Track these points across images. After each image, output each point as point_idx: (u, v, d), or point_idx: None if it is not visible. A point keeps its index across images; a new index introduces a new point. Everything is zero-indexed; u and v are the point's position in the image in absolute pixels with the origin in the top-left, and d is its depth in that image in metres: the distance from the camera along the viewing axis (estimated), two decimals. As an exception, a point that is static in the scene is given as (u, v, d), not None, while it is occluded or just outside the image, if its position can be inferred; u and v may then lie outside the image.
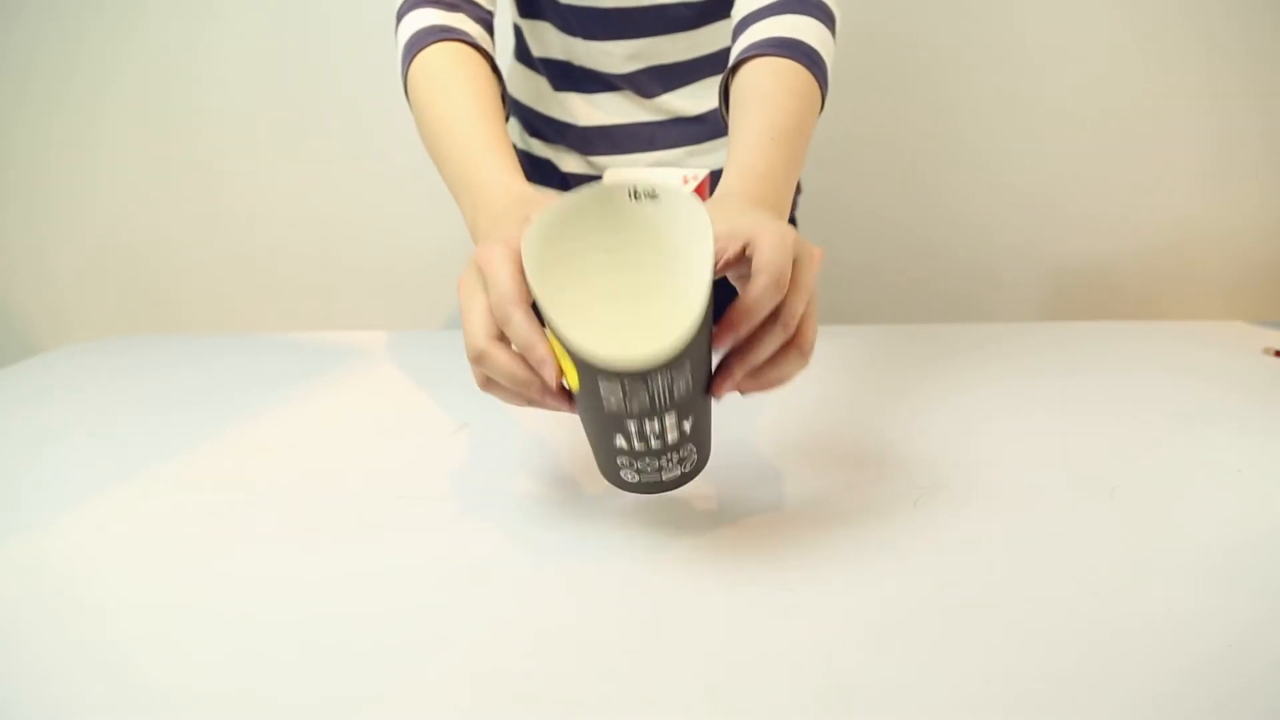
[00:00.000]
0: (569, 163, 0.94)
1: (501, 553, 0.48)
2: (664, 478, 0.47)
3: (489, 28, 0.74)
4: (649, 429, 0.43)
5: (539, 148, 0.96)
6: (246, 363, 0.84)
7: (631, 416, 0.43)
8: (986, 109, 1.48)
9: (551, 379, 0.44)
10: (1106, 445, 0.63)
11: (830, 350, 0.86)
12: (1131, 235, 1.53)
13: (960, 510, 0.52)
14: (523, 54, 0.96)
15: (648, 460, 0.46)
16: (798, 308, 0.46)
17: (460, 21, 0.71)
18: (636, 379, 0.41)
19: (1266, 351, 0.87)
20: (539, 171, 0.97)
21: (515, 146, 0.97)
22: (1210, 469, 0.59)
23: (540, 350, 0.44)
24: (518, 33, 0.96)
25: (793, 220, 1.03)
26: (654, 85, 0.89)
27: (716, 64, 0.91)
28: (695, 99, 0.91)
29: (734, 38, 0.71)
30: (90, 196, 1.60)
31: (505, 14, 0.96)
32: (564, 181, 0.96)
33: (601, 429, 0.45)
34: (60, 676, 0.38)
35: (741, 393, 0.48)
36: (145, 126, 1.55)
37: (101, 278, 1.64)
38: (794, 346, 0.47)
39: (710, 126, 0.92)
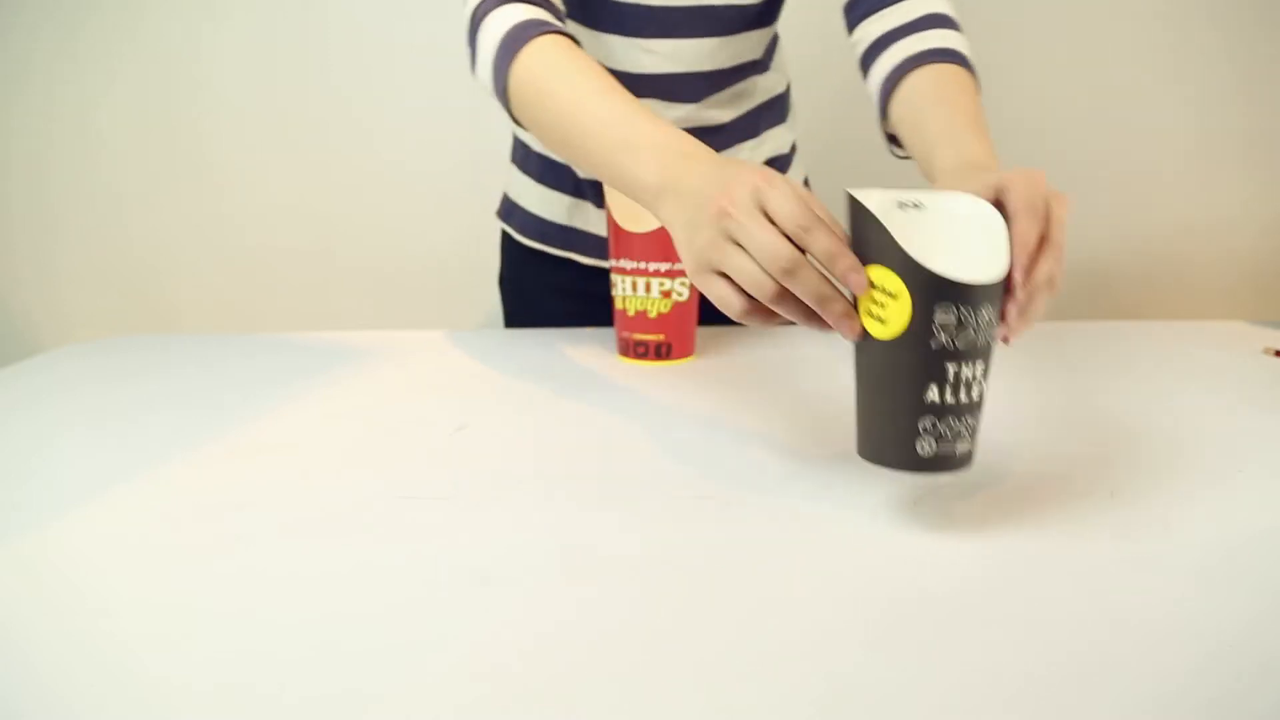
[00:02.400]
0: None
1: (501, 553, 0.48)
2: (957, 450, 0.47)
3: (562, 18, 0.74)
4: (965, 373, 0.45)
5: None
6: (246, 363, 0.84)
7: (953, 357, 0.45)
8: (987, 112, 1.48)
9: (862, 285, 0.46)
10: (1106, 445, 0.63)
11: (830, 349, 0.86)
12: (1131, 235, 1.53)
13: (960, 510, 0.52)
14: None
15: (952, 421, 0.46)
16: (1060, 237, 0.50)
17: (546, 15, 0.70)
18: (970, 304, 0.44)
19: (1266, 351, 0.87)
20: (553, 173, 0.96)
21: (529, 148, 0.98)
22: (1210, 469, 0.59)
23: (849, 258, 0.47)
24: None
25: None
26: (685, 91, 0.89)
27: (747, 71, 0.90)
28: (721, 107, 0.91)
29: (872, 55, 0.76)
30: (91, 197, 1.60)
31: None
32: (578, 186, 0.96)
33: (915, 379, 0.45)
34: (60, 676, 0.38)
35: (1013, 331, 0.50)
36: (146, 127, 1.55)
37: (102, 278, 1.64)
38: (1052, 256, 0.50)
39: (729, 134, 0.93)
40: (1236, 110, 1.46)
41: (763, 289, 0.49)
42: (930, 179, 0.65)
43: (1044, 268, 0.50)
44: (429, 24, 1.48)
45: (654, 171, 0.56)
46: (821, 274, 0.48)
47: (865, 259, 0.47)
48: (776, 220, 0.48)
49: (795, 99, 1.04)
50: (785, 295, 0.49)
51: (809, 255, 0.48)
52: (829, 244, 0.47)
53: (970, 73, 0.72)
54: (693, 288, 0.82)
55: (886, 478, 0.55)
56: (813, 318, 0.50)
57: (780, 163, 0.99)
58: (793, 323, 0.51)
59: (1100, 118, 1.47)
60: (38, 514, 0.53)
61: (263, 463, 0.60)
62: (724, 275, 0.51)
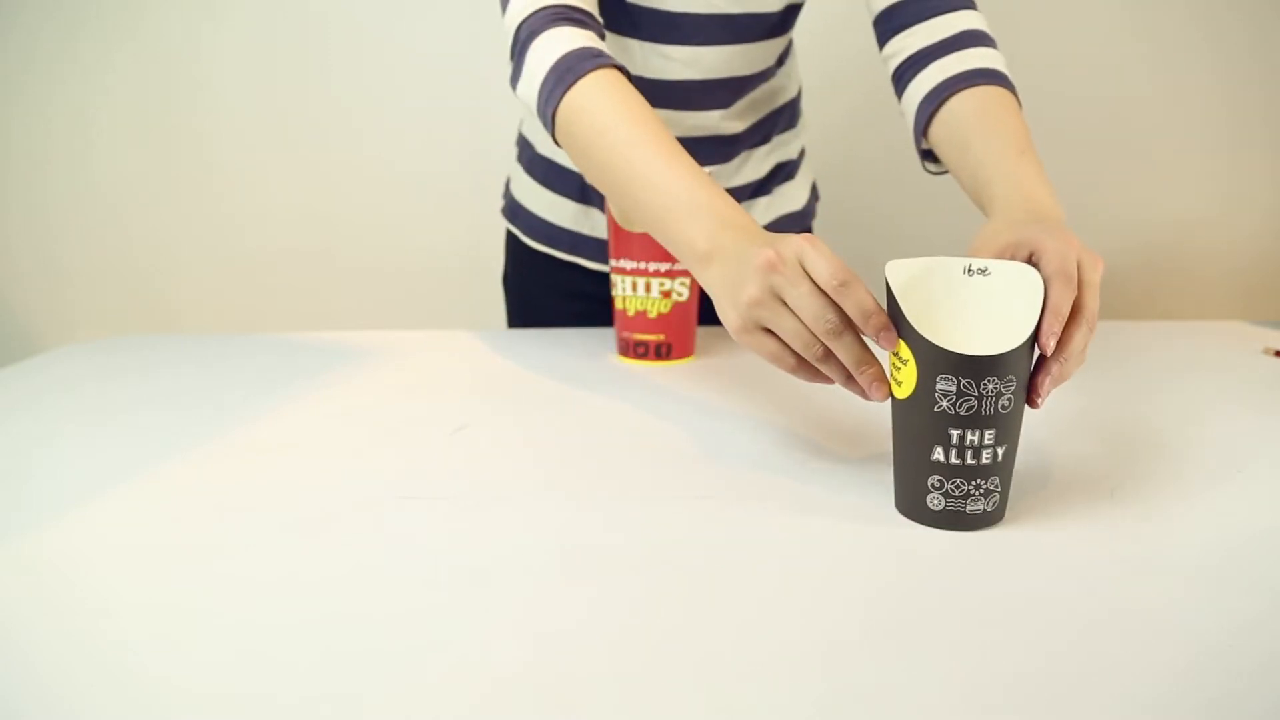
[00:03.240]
0: None
1: (501, 553, 0.48)
2: (968, 508, 0.50)
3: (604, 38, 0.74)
4: (970, 439, 0.48)
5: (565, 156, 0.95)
6: (246, 363, 0.84)
7: (955, 423, 0.48)
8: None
9: (893, 342, 0.50)
10: (1106, 445, 0.63)
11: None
12: (1131, 235, 1.53)
13: (960, 510, 0.52)
14: None
15: (960, 481, 0.49)
16: (1094, 304, 0.52)
17: (598, 42, 0.70)
18: (971, 375, 0.47)
19: (1266, 351, 0.87)
20: (560, 179, 0.96)
21: (540, 153, 0.97)
22: (1210, 469, 0.59)
23: (881, 317, 0.50)
24: None
25: (809, 228, 1.04)
26: (702, 99, 0.89)
27: (760, 79, 0.90)
28: (735, 117, 0.91)
29: (909, 70, 0.75)
30: (91, 197, 1.60)
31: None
32: (584, 193, 0.95)
33: (922, 439, 0.49)
34: (60, 676, 0.38)
35: (1041, 397, 0.52)
36: (146, 127, 1.55)
37: (102, 278, 1.64)
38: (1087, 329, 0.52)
39: (740, 142, 0.92)
40: (1237, 110, 1.46)
41: (810, 350, 0.52)
42: (984, 208, 0.66)
43: (1077, 340, 0.51)
44: (429, 24, 1.48)
45: (705, 237, 0.58)
46: (860, 339, 0.52)
47: None
48: (816, 278, 0.51)
49: (805, 105, 1.04)
50: (829, 356, 0.53)
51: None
52: (864, 302, 0.50)
53: (1013, 95, 0.71)
54: (693, 286, 0.82)
55: (885, 476, 0.55)
56: (850, 379, 0.53)
57: (789, 168, 0.99)
58: (832, 381, 0.54)
59: (1100, 118, 1.47)
60: (38, 514, 0.53)
61: (263, 463, 0.60)
62: (771, 333, 0.54)
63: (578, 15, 0.71)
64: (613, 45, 0.86)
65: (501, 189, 1.07)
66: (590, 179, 0.69)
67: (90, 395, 0.75)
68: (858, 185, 1.46)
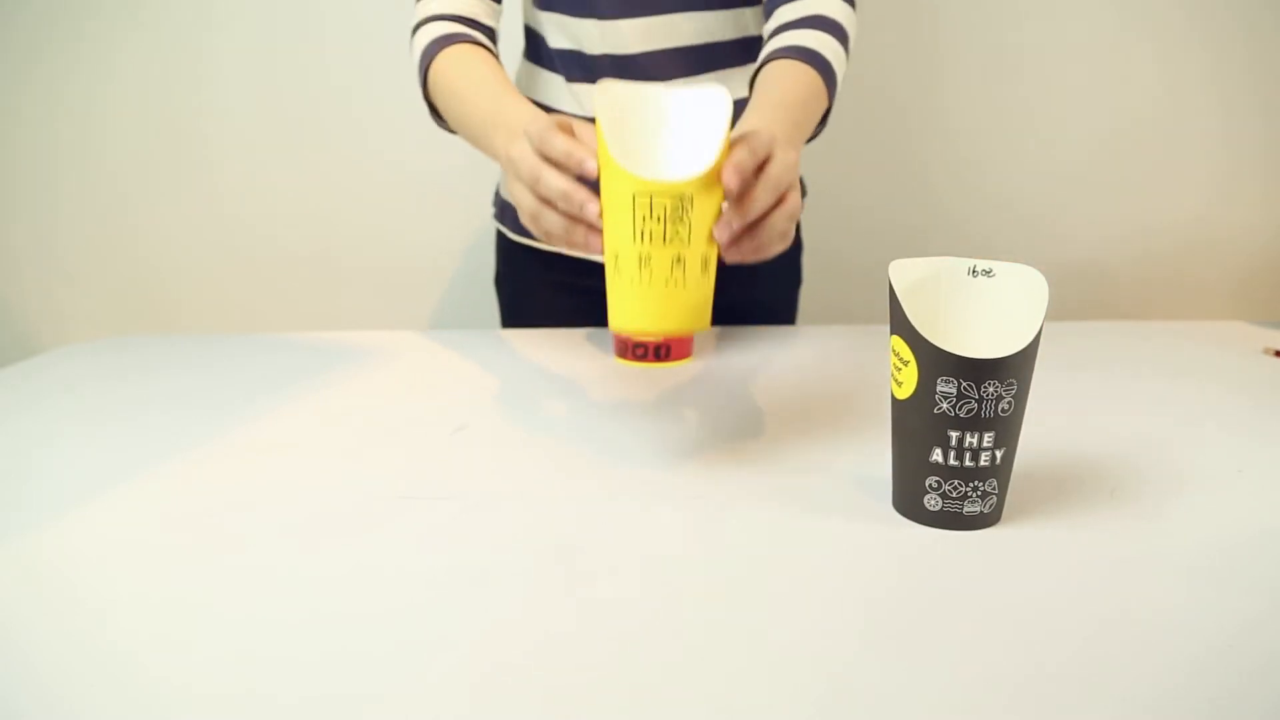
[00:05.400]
0: None
1: (501, 553, 0.48)
2: (965, 510, 0.50)
3: (494, 39, 0.88)
4: (969, 441, 0.48)
5: None
6: (246, 363, 0.84)
7: (955, 425, 0.48)
8: (988, 112, 1.48)
9: (594, 214, 0.58)
10: (1106, 445, 0.63)
11: (831, 348, 0.86)
12: (1131, 235, 1.53)
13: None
14: (533, 53, 0.96)
15: (958, 483, 0.49)
16: (778, 172, 0.60)
17: (470, 29, 0.85)
18: (972, 379, 0.47)
19: (1266, 351, 0.87)
20: None
21: None
22: (1210, 469, 0.59)
23: (576, 156, 0.59)
24: (528, 33, 0.97)
25: (796, 225, 1.04)
26: (666, 68, 0.90)
27: (730, 53, 0.91)
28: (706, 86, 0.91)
29: (763, 46, 0.84)
30: (92, 197, 1.60)
31: (513, 16, 0.97)
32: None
33: (921, 440, 0.50)
34: (60, 676, 0.38)
35: (737, 258, 0.61)
36: (146, 127, 1.55)
37: (102, 278, 1.64)
38: (782, 208, 0.61)
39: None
40: (1237, 111, 1.46)
41: (526, 208, 0.64)
42: None
43: (759, 193, 0.59)
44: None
45: (504, 142, 0.70)
46: (580, 188, 0.60)
47: (892, 327, 0.52)
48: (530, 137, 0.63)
49: None
50: (541, 209, 0.63)
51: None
52: (563, 146, 0.60)
53: (819, 73, 0.79)
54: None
55: (885, 481, 0.56)
56: (573, 221, 0.62)
57: None
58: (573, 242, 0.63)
59: (1100, 118, 1.47)
60: (38, 514, 0.53)
61: (263, 463, 0.60)
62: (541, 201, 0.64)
63: (470, 37, 0.85)
64: (574, 33, 0.90)
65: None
66: (455, 129, 0.85)
67: (90, 395, 0.75)
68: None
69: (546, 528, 0.51)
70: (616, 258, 0.57)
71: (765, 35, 0.85)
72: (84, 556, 0.48)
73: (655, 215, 0.54)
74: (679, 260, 0.55)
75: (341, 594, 0.44)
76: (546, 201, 0.62)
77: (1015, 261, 0.52)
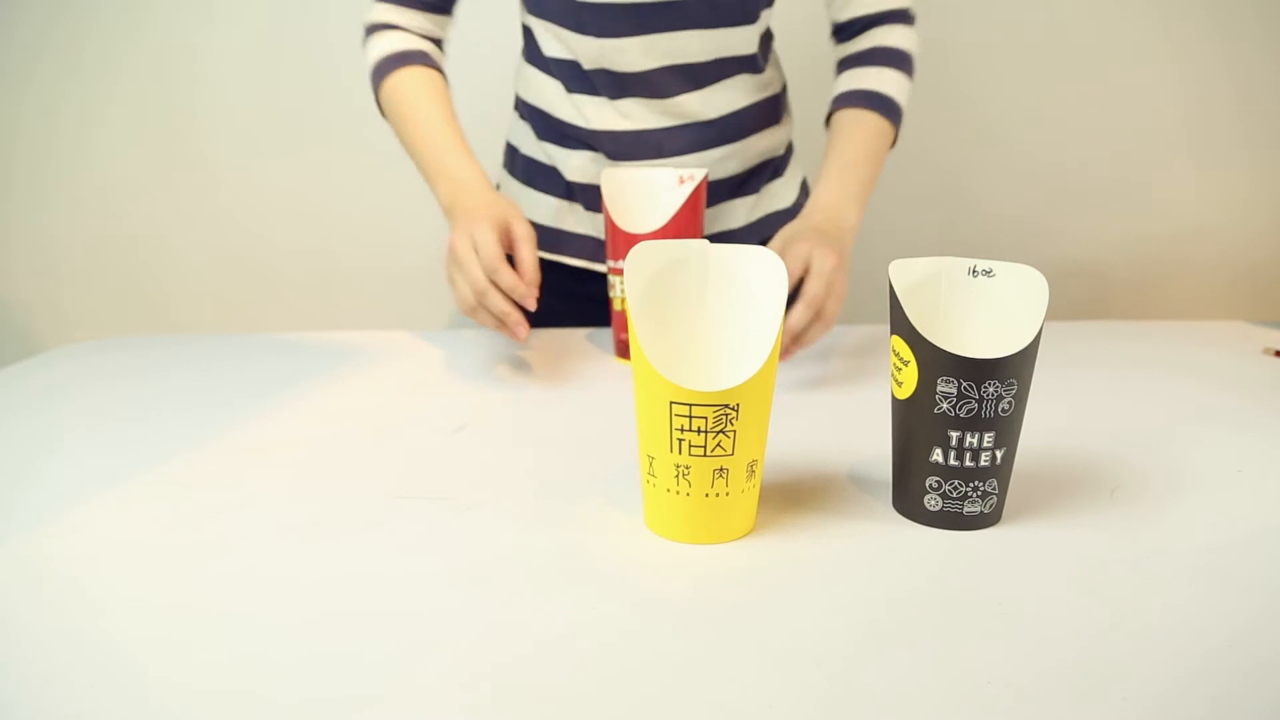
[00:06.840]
0: (573, 172, 0.94)
1: (501, 553, 0.48)
2: (965, 510, 0.50)
3: (441, 45, 0.95)
4: (970, 441, 0.48)
5: (552, 151, 0.95)
6: (246, 363, 0.84)
7: (956, 425, 0.48)
8: (987, 113, 1.48)
9: (522, 335, 0.75)
10: (1106, 445, 0.63)
11: (831, 348, 0.86)
12: (1131, 236, 1.53)
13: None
14: (533, 55, 0.95)
15: (958, 483, 0.49)
16: (814, 288, 0.72)
17: (418, 44, 0.91)
18: (973, 379, 0.47)
19: (1266, 351, 0.87)
20: (544, 178, 0.96)
21: (521, 152, 0.98)
22: (1210, 469, 0.59)
23: (518, 287, 0.74)
24: (526, 33, 0.95)
25: None
26: (671, 85, 0.89)
27: (734, 67, 0.90)
28: (710, 102, 0.91)
29: (836, 72, 0.93)
30: (91, 197, 1.60)
31: (513, 13, 0.96)
32: (569, 190, 0.95)
33: (921, 440, 0.49)
34: (60, 676, 0.38)
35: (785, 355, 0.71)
36: (146, 126, 1.55)
37: (102, 278, 1.64)
38: (820, 322, 0.73)
39: (720, 130, 0.92)
40: (1236, 111, 1.46)
41: (466, 303, 0.76)
42: None
43: (795, 316, 0.71)
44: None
45: (445, 196, 0.84)
46: (506, 300, 0.74)
47: (892, 327, 0.51)
48: (481, 261, 0.75)
49: (793, 99, 1.04)
50: (483, 309, 0.75)
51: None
52: (507, 280, 0.74)
53: (886, 116, 0.88)
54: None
55: (884, 481, 0.55)
56: (502, 326, 0.76)
57: (776, 163, 0.99)
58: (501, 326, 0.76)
59: (1100, 119, 1.48)
60: (38, 514, 0.53)
61: (263, 463, 0.60)
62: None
63: (422, 56, 0.90)
64: (574, 45, 0.89)
65: None
66: (400, 143, 0.91)
67: (90, 395, 0.75)
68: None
69: (545, 528, 0.51)
70: (651, 461, 0.49)
71: (835, 60, 0.93)
72: (84, 556, 0.48)
73: (694, 427, 0.46)
74: (721, 472, 0.48)
75: (341, 594, 0.44)
76: (484, 306, 0.75)
77: (1015, 261, 0.52)
